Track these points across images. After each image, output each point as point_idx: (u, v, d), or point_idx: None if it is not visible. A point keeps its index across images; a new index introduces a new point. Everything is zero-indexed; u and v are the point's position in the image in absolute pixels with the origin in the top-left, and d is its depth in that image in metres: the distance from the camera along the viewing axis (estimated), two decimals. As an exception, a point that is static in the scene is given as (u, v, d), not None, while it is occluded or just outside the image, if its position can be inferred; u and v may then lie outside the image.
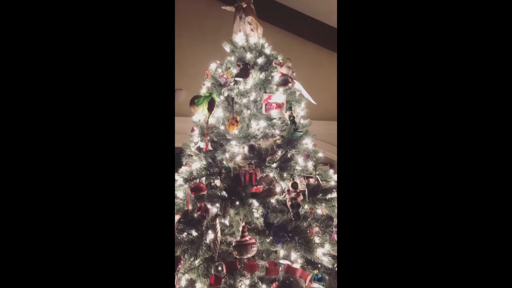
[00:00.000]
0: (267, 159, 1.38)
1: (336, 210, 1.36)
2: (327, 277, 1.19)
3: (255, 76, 1.58)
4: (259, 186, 1.28)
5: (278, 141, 1.46)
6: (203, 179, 1.40)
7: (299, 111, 1.67)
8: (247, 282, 1.09)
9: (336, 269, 1.18)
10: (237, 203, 1.21)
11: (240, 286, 1.08)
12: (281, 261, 1.13)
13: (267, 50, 1.76)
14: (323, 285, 1.09)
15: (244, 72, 1.56)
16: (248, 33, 1.80)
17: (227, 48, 1.76)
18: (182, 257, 1.15)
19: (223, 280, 1.07)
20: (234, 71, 1.61)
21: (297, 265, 1.10)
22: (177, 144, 3.09)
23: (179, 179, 1.46)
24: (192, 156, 1.49)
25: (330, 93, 3.48)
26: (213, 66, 1.76)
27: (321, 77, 3.58)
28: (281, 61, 1.73)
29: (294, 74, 1.75)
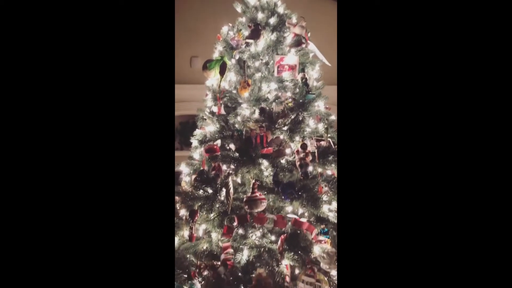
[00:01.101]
0: (278, 121, 1.41)
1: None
2: (334, 232, 1.27)
3: (266, 37, 1.55)
4: (269, 148, 1.34)
5: (290, 104, 1.48)
6: (219, 141, 1.47)
7: (313, 73, 1.65)
8: (258, 233, 1.20)
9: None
10: (248, 163, 1.29)
11: (251, 236, 1.19)
12: (289, 215, 1.21)
13: (280, 9, 1.70)
14: (328, 238, 1.18)
15: (255, 33, 1.54)
16: (261, -9, 1.73)
17: (239, 8, 1.72)
18: (198, 211, 1.28)
19: (235, 230, 1.19)
20: (246, 33, 1.59)
21: (303, 220, 1.19)
22: (193, 111, 3.16)
23: (194, 141, 1.55)
24: (206, 119, 1.56)
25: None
26: (225, 29, 1.74)
27: (335, 39, 3.37)
28: (294, 20, 1.67)
29: (308, 34, 1.70)
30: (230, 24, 1.76)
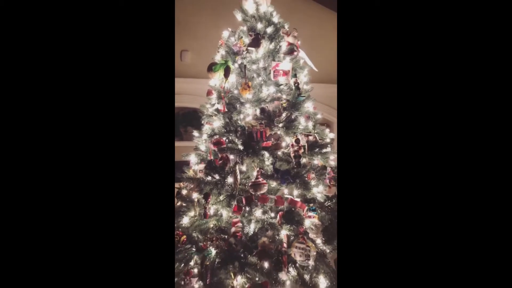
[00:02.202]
0: (275, 119, 1.71)
1: (329, 162, 1.75)
2: (319, 210, 1.62)
3: (265, 45, 1.82)
4: (268, 142, 1.64)
5: (284, 104, 1.78)
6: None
7: (303, 77, 1.96)
8: (260, 210, 1.51)
9: (327, 204, 1.61)
10: (252, 154, 1.58)
11: (255, 213, 1.50)
12: (286, 196, 1.54)
13: (275, 19, 1.97)
14: (316, 214, 1.52)
15: (255, 42, 1.80)
16: (258, 1, 1.98)
17: (239, 16, 1.96)
18: (210, 194, 1.55)
19: (243, 208, 1.49)
20: (246, 40, 1.85)
21: (297, 199, 1.52)
22: (190, 104, 3.36)
23: (203, 135, 1.81)
24: (212, 116, 1.81)
25: (330, 56, 3.69)
26: (225, 34, 1.98)
27: (322, 38, 3.72)
28: (287, 29, 1.96)
29: (299, 42, 1.99)
30: (230, 29, 2.00)
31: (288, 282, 1.42)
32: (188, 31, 3.49)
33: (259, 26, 1.88)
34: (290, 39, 1.92)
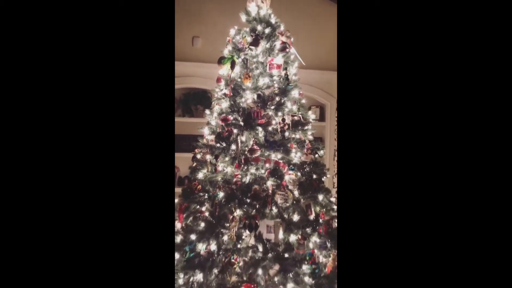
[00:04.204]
0: (268, 103, 2.36)
1: (307, 136, 2.43)
2: (297, 171, 2.32)
3: (263, 45, 2.43)
4: (262, 120, 2.30)
5: (276, 91, 2.42)
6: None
7: (292, 70, 2.57)
8: (254, 168, 2.22)
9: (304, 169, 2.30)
10: (250, 128, 2.26)
11: (250, 169, 2.21)
12: (272, 158, 2.23)
13: (273, 20, 2.55)
14: (294, 172, 2.21)
15: (255, 42, 2.41)
16: (259, 5, 2.56)
17: (243, 17, 2.54)
18: (219, 156, 2.26)
19: (242, 166, 2.20)
20: (249, 39, 2.45)
21: (281, 161, 2.21)
22: (200, 85, 4.04)
23: (214, 113, 2.48)
24: (221, 99, 2.47)
25: (327, 45, 4.22)
26: (232, 32, 2.58)
27: (320, 28, 4.23)
28: (282, 30, 2.55)
29: (291, 39, 2.59)
30: (236, 27, 2.60)
31: (271, 216, 2.15)
32: (199, 19, 4.03)
33: (259, 28, 2.47)
34: (283, 38, 2.52)
